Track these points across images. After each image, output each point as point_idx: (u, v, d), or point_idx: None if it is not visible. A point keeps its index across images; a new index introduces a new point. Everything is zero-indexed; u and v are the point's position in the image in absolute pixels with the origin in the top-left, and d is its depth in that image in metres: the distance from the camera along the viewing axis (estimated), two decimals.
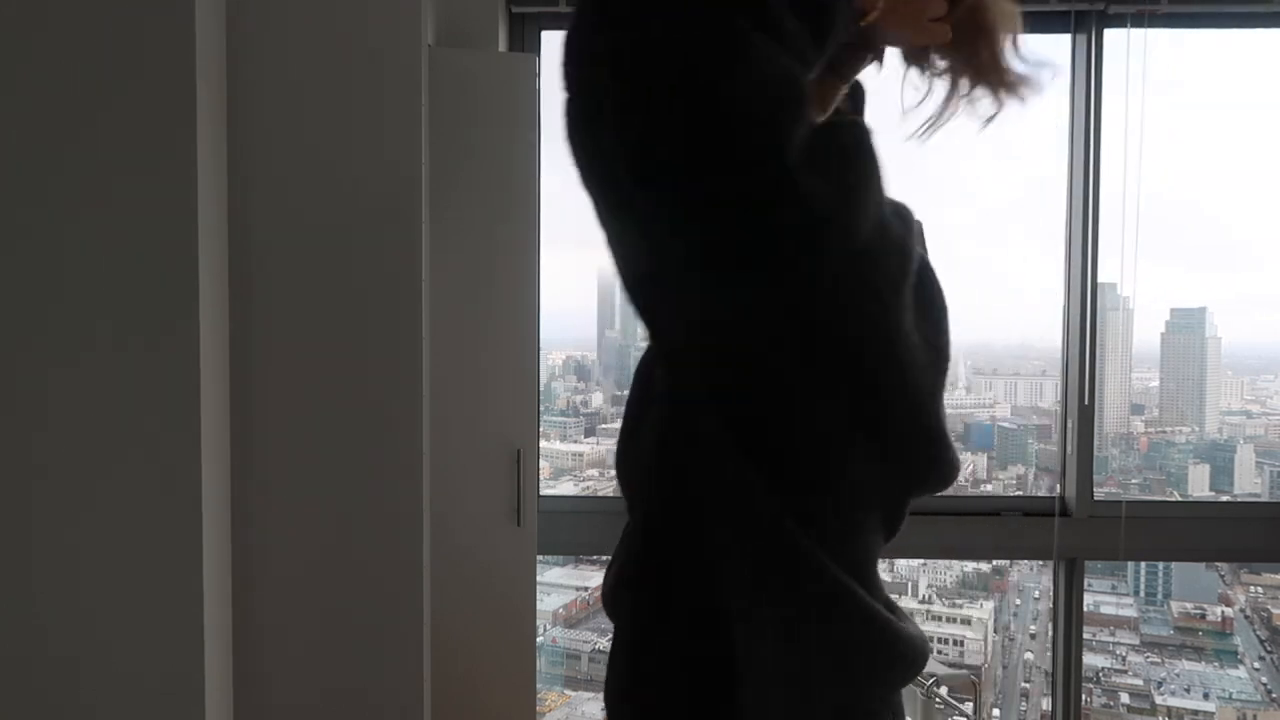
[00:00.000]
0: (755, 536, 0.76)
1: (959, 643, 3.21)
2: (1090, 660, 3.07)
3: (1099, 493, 2.90)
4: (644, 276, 0.77)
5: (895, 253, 0.78)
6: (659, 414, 0.82)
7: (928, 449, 0.82)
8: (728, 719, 0.77)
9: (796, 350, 0.74)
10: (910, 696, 2.06)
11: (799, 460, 0.76)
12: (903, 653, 0.80)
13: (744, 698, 0.76)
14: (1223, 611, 3.25)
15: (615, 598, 0.87)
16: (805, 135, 0.68)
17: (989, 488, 3.28)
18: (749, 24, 0.65)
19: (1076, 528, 2.84)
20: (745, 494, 0.76)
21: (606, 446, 3.27)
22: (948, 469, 0.83)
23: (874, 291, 0.75)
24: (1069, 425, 2.90)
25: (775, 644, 0.77)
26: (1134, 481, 3.26)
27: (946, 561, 3.28)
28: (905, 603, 3.27)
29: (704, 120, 0.65)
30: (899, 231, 0.79)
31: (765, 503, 0.75)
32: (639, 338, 3.48)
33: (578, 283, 3.33)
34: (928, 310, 0.81)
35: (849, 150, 0.76)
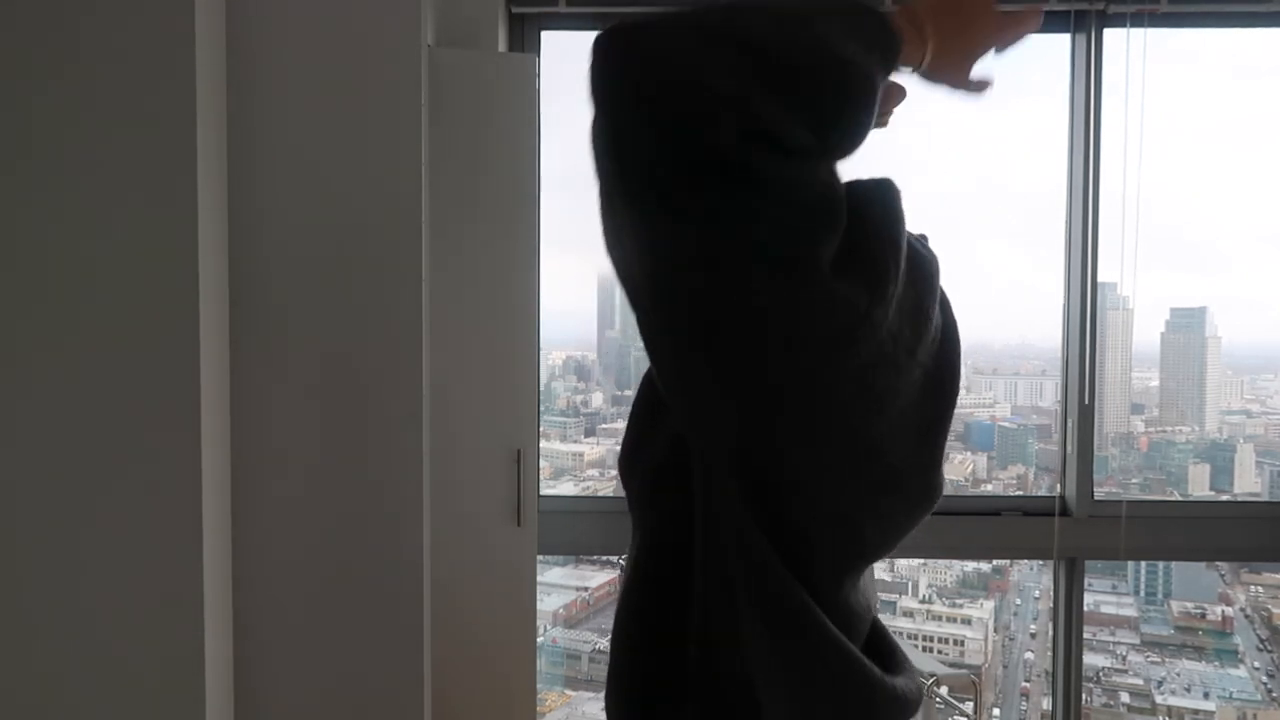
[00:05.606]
0: (755, 585, 0.76)
1: (959, 642, 3.21)
2: (1090, 660, 3.07)
3: (1099, 492, 2.90)
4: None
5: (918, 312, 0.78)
6: (670, 431, 0.81)
7: (926, 477, 0.82)
8: None
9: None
10: None
11: (799, 502, 0.76)
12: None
13: None
14: (1223, 611, 3.25)
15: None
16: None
17: (989, 487, 3.27)
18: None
19: (1077, 527, 2.84)
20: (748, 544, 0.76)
21: (607, 446, 3.27)
22: (935, 494, 0.84)
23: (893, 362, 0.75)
24: (1069, 425, 2.90)
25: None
26: (1134, 481, 3.26)
27: (947, 561, 3.28)
28: (905, 602, 3.27)
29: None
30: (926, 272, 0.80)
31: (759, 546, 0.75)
32: (639, 338, 3.47)
33: (578, 283, 3.33)
34: (946, 343, 0.82)
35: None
